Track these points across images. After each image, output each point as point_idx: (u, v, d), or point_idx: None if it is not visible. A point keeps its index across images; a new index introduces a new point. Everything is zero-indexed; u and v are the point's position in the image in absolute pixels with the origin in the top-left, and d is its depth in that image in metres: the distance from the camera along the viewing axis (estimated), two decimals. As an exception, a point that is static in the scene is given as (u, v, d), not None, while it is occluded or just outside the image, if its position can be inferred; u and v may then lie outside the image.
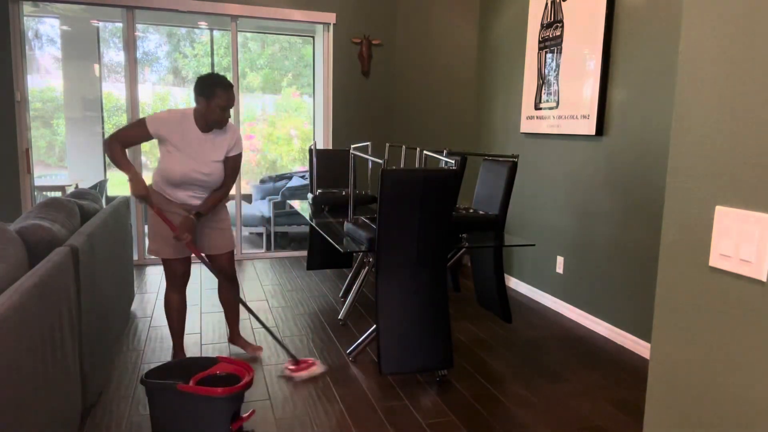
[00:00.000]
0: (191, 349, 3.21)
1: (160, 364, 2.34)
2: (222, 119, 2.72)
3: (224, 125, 2.77)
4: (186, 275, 2.92)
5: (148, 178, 2.81)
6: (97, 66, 6.60)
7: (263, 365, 3.04)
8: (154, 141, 2.76)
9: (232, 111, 5.05)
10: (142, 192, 2.66)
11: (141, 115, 4.96)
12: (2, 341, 1.46)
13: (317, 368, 2.98)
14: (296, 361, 3.01)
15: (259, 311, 3.89)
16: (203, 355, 3.16)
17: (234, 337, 3.23)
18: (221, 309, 3.87)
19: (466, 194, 4.96)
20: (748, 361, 0.90)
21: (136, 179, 2.65)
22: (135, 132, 2.69)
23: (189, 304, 3.66)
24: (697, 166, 0.99)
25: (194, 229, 2.78)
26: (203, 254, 2.93)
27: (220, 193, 2.84)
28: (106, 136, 2.90)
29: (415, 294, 2.80)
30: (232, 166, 2.85)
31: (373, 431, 2.42)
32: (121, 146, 2.67)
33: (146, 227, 2.79)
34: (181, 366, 2.35)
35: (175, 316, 2.94)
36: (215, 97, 2.66)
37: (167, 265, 2.85)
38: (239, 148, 2.85)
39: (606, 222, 3.62)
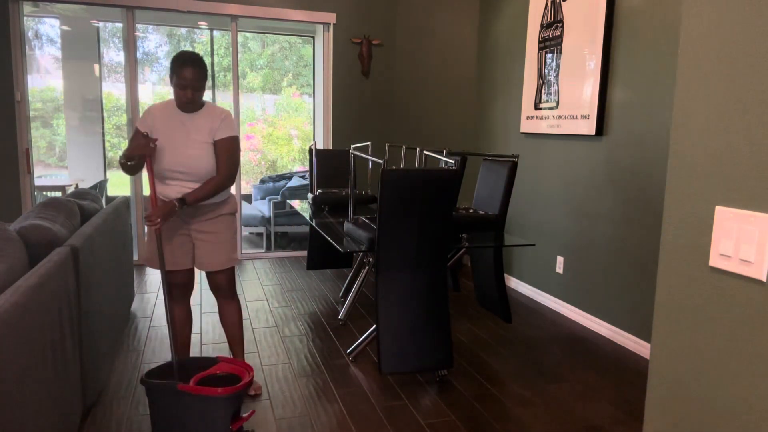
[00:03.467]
0: (191, 350, 3.21)
1: (160, 364, 2.34)
2: (184, 99, 2.45)
3: (194, 105, 2.50)
4: (187, 287, 2.66)
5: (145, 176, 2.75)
6: (97, 66, 6.60)
7: (263, 365, 3.04)
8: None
9: (231, 109, 4.78)
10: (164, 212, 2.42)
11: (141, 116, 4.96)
12: (2, 341, 1.46)
13: None
14: None
15: (259, 311, 3.89)
16: (203, 355, 3.16)
17: None
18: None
19: (466, 194, 4.96)
20: (748, 361, 0.90)
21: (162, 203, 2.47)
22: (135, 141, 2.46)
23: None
24: (697, 166, 0.99)
25: (171, 217, 2.44)
26: (198, 269, 2.64)
27: (212, 183, 2.48)
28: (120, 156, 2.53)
29: (415, 294, 2.80)
30: (221, 151, 2.50)
31: (373, 431, 2.42)
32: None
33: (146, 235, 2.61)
34: (181, 366, 2.35)
35: (176, 329, 2.66)
36: (174, 75, 2.43)
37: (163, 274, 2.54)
38: (228, 131, 2.51)
39: (606, 222, 3.62)
